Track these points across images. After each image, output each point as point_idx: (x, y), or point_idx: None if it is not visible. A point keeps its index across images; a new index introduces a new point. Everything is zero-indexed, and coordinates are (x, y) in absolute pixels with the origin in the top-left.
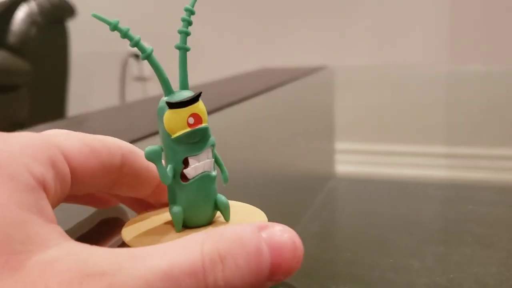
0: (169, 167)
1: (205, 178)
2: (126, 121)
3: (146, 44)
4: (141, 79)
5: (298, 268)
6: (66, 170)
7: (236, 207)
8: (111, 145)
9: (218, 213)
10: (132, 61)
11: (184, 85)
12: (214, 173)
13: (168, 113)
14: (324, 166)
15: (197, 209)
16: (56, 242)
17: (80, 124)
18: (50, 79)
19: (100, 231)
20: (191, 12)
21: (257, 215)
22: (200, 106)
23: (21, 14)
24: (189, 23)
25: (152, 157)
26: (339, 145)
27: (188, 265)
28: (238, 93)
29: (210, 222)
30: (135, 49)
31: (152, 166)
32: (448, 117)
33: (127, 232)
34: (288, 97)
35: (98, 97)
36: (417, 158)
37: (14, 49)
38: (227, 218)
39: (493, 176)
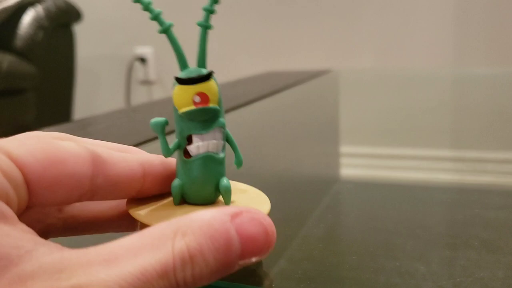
0: (174, 141)
1: (208, 158)
2: (131, 125)
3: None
4: (146, 82)
5: (269, 251)
6: (19, 177)
7: (243, 190)
8: (78, 153)
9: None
10: (137, 64)
11: (201, 63)
12: (221, 155)
13: (176, 89)
14: (329, 169)
15: (196, 188)
16: (26, 251)
17: (85, 127)
18: (56, 82)
19: None
20: None
21: (261, 201)
22: (209, 86)
23: (27, 18)
24: (215, 1)
25: (155, 127)
26: (344, 149)
27: (160, 267)
28: (244, 96)
29: (212, 203)
30: (140, 53)
31: (127, 168)
32: (454, 120)
33: (130, 202)
34: (293, 100)
35: (103, 100)
36: (423, 161)
37: (21, 53)
38: (227, 202)
39: (499, 179)
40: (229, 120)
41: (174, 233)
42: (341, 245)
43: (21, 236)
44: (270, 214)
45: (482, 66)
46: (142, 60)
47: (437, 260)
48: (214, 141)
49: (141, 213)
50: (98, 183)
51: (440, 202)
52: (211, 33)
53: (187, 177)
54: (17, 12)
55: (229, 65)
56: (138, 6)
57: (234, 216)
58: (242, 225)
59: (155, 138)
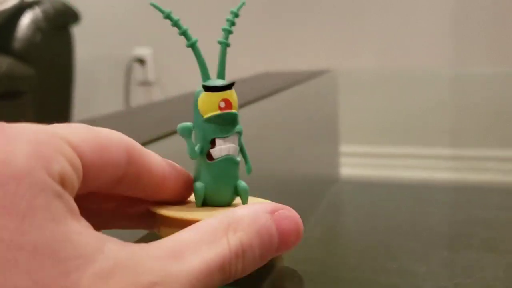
0: (198, 145)
1: (228, 161)
2: (130, 127)
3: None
4: (145, 83)
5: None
6: (79, 164)
7: (254, 200)
8: (118, 140)
9: (237, 199)
10: (136, 66)
11: (221, 75)
12: (238, 158)
13: (203, 95)
14: (329, 169)
15: (218, 188)
16: (98, 248)
17: None
18: (55, 84)
19: None
20: (236, 15)
21: None
22: (232, 94)
23: (26, 20)
24: (233, 23)
25: (183, 132)
26: (343, 148)
27: (219, 260)
28: (243, 97)
29: (229, 204)
30: (139, 54)
31: (155, 165)
32: (454, 120)
33: (156, 204)
34: (293, 100)
35: (102, 101)
36: (423, 160)
37: (19, 55)
38: (245, 202)
39: (499, 178)
40: None
41: (226, 229)
42: (341, 246)
43: (89, 232)
44: None
45: (482, 66)
46: (141, 61)
47: (438, 260)
48: (233, 145)
49: (167, 211)
50: (129, 172)
51: (440, 202)
52: (208, 32)
53: (210, 178)
54: (15, 14)
55: (228, 65)
56: (137, 7)
57: (272, 213)
58: (280, 222)
59: (155, 140)
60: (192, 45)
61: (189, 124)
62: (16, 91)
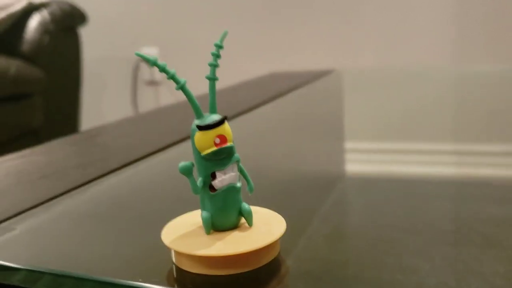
0: (199, 180)
1: (230, 189)
2: (139, 135)
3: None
4: (152, 83)
5: None
6: None
7: (259, 212)
8: None
9: (243, 219)
10: (143, 65)
11: (213, 110)
12: (238, 184)
13: (198, 134)
14: (335, 166)
15: (223, 216)
16: None
17: (94, 138)
18: (63, 85)
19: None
20: (219, 47)
21: (277, 221)
22: (225, 128)
23: (33, 23)
24: (218, 56)
25: (184, 171)
26: (349, 145)
27: None
28: (248, 101)
29: (235, 226)
30: (146, 54)
31: None
32: (456, 115)
33: (166, 235)
34: (298, 101)
35: (110, 101)
36: (426, 156)
37: (27, 58)
38: (250, 223)
39: (501, 173)
40: (235, 126)
41: None
42: (346, 243)
43: None
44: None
45: (482, 62)
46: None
47: (440, 256)
48: (233, 174)
49: (177, 243)
50: None
51: (443, 197)
52: (212, 34)
53: (215, 208)
54: (23, 17)
55: (231, 67)
56: (143, 7)
57: None
58: None
59: (164, 148)
60: (182, 88)
61: (188, 163)
62: (25, 93)
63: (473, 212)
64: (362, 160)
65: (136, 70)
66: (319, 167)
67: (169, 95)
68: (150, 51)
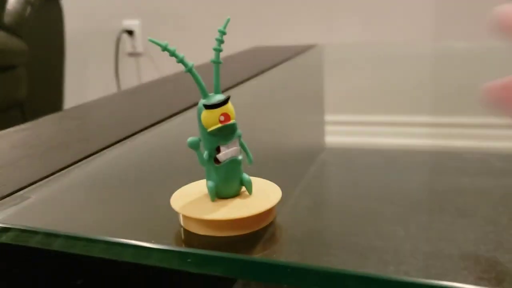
0: (205, 153)
1: (233, 162)
2: (124, 112)
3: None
4: (134, 54)
5: None
6: None
7: (257, 182)
8: None
9: (243, 188)
10: (125, 37)
11: (217, 90)
12: (240, 157)
13: (204, 112)
14: (315, 139)
15: (226, 185)
16: None
17: (78, 118)
18: (47, 57)
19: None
20: (223, 33)
21: (274, 190)
22: (229, 107)
23: None
24: (221, 41)
25: (192, 146)
26: (329, 118)
27: None
28: (232, 76)
29: (237, 194)
30: (128, 25)
31: None
32: (434, 89)
33: (175, 201)
34: (281, 75)
35: (93, 72)
36: (405, 128)
37: (10, 29)
38: (250, 192)
39: (476, 144)
40: None
41: None
42: (326, 212)
43: None
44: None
45: (462, 39)
46: (130, 32)
47: (415, 224)
48: (235, 148)
49: (185, 209)
50: None
51: (419, 168)
52: (194, 7)
53: (219, 178)
54: None
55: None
56: None
57: None
58: None
59: (149, 127)
60: (190, 70)
61: (196, 138)
62: (8, 65)
63: (447, 182)
64: (342, 132)
65: (118, 41)
66: (301, 139)
67: (150, 66)
68: (132, 23)
